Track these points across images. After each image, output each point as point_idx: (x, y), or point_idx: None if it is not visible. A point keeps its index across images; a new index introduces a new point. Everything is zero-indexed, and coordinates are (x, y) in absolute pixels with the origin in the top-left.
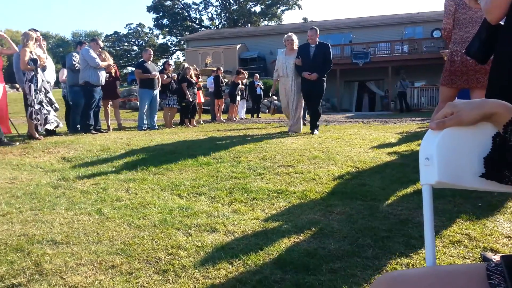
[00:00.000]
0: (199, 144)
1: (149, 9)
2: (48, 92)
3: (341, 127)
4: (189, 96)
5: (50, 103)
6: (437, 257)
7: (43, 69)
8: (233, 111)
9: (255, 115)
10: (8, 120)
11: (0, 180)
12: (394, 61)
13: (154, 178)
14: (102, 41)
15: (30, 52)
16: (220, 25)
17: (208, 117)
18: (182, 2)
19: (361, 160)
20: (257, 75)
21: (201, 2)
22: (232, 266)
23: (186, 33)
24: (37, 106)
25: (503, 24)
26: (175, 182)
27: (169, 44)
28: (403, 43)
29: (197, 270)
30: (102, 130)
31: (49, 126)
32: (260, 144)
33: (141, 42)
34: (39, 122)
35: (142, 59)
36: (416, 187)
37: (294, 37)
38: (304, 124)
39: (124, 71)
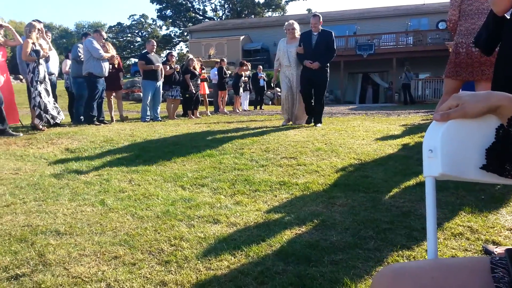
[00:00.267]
0: (202, 136)
1: (153, 0)
2: (47, 83)
3: (344, 119)
4: (192, 88)
5: (48, 94)
6: (439, 249)
7: (46, 60)
8: (237, 103)
9: (258, 107)
10: (15, 111)
11: (4, 170)
12: (399, 53)
13: (157, 169)
14: (106, 32)
15: (33, 43)
16: (223, 16)
17: (211, 108)
18: None
19: (364, 152)
20: (261, 67)
21: None
22: (234, 258)
23: (190, 24)
24: (38, 98)
25: (508, 17)
26: (178, 174)
27: (172, 35)
28: (408, 35)
29: (199, 261)
30: (106, 122)
31: (51, 120)
32: (263, 136)
33: (144, 33)
34: (42, 115)
35: (145, 51)
36: (419, 179)
37: (296, 25)
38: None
39: (128, 62)
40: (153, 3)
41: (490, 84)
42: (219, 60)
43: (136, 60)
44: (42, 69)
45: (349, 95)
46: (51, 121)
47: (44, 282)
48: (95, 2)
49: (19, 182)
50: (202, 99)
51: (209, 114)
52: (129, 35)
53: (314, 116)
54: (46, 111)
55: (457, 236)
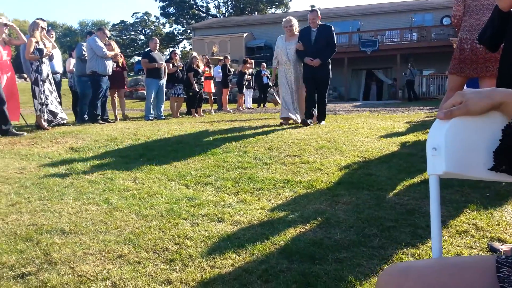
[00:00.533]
0: (206, 134)
1: None
2: (51, 83)
3: (348, 117)
4: (196, 86)
5: (51, 93)
6: (443, 247)
7: (50, 58)
8: (240, 100)
9: (262, 105)
10: (18, 109)
11: (9, 170)
12: (403, 49)
13: (161, 168)
14: (109, 30)
15: (36, 42)
16: (226, 13)
17: (215, 106)
18: None
19: (368, 150)
20: (264, 64)
21: None
22: (239, 256)
23: (193, 21)
24: (41, 97)
25: None
26: (182, 172)
27: (175, 33)
28: (412, 31)
29: (203, 260)
30: (110, 120)
31: (54, 120)
32: (267, 134)
33: (148, 31)
34: (44, 112)
35: (148, 49)
36: (423, 176)
37: (294, 21)
38: (312, 114)
39: (131, 60)
40: (156, 0)
41: (494, 81)
42: (222, 58)
43: (140, 58)
44: (45, 68)
45: (353, 92)
46: (55, 121)
47: (49, 280)
48: (98, 1)
49: (24, 181)
50: (207, 97)
51: (212, 112)
52: (133, 33)
53: (318, 114)
54: (49, 110)
55: (462, 234)
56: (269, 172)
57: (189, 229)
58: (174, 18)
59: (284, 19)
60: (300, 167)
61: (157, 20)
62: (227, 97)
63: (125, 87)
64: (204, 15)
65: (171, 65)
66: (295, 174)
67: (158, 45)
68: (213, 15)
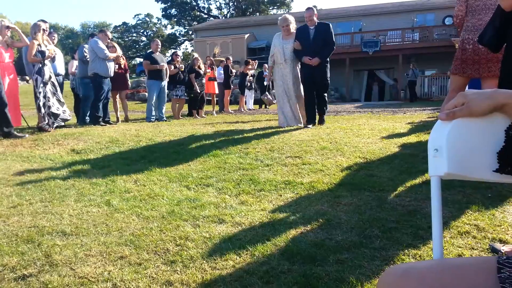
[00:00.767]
0: (207, 136)
1: None
2: (54, 84)
3: (349, 118)
4: (197, 87)
5: (54, 93)
6: (445, 248)
7: (53, 60)
8: (242, 102)
9: (264, 106)
10: (19, 112)
11: (10, 172)
12: (405, 49)
13: (162, 169)
14: (111, 32)
15: (39, 44)
16: (228, 14)
17: (216, 108)
18: None
19: (370, 151)
20: (266, 66)
21: None
22: (240, 257)
23: (194, 23)
24: (43, 99)
25: None
26: (183, 174)
27: (177, 34)
28: (414, 31)
29: (204, 261)
30: (111, 122)
31: (56, 122)
32: (268, 135)
33: (150, 32)
34: (46, 114)
35: (150, 50)
36: (424, 177)
37: (291, 19)
38: (314, 119)
39: (133, 62)
40: (158, 2)
41: (497, 81)
42: (224, 59)
43: (142, 59)
44: (47, 70)
45: (355, 92)
46: (56, 122)
47: (51, 282)
48: (100, 2)
49: (25, 183)
50: (210, 98)
51: (214, 113)
52: (134, 34)
53: (319, 116)
54: (50, 112)
55: (464, 235)
56: (271, 173)
57: (190, 231)
58: (175, 19)
59: (279, 18)
60: (302, 168)
61: (159, 22)
62: (228, 98)
63: (127, 89)
64: (206, 16)
65: (172, 67)
66: (296, 175)
67: (160, 46)
68: (215, 16)
